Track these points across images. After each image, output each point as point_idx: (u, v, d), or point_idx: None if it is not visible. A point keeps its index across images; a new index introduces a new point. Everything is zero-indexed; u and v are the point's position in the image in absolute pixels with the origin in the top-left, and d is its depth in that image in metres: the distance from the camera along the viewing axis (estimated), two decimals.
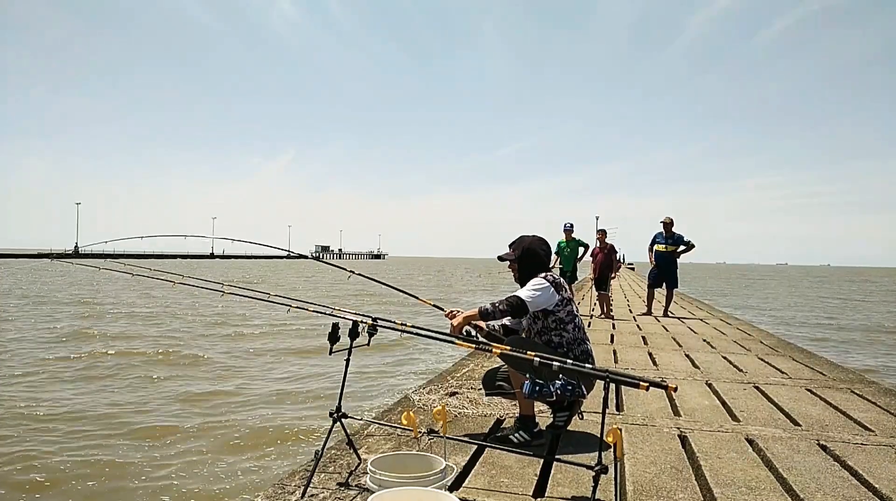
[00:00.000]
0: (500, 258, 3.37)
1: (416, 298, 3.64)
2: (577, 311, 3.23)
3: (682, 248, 10.28)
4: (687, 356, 6.36)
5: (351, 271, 3.80)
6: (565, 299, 3.13)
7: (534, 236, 3.35)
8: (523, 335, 3.25)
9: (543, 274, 3.16)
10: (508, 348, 2.47)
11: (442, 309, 3.32)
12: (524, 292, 3.04)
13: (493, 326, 3.29)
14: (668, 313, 10.98)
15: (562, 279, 3.22)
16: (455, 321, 3.04)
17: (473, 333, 3.17)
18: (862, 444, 3.31)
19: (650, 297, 11.03)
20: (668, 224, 10.19)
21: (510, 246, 3.34)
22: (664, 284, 10.55)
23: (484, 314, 3.01)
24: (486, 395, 3.40)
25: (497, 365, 3.38)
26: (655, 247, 10.31)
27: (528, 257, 3.24)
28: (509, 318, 3.20)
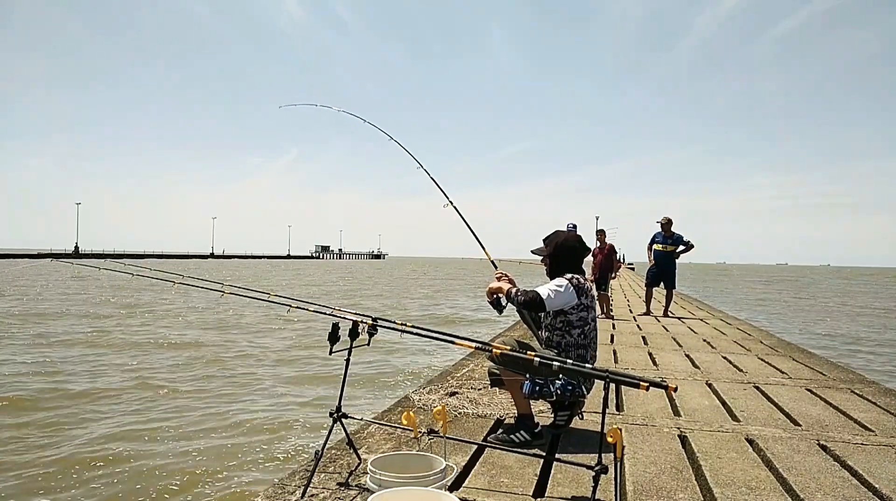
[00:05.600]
0: (534, 253, 3.42)
1: (483, 247, 3.78)
2: (593, 320, 3.20)
3: (681, 248, 10.29)
4: (687, 356, 6.36)
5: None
6: (583, 305, 3.13)
7: (569, 232, 3.39)
8: (542, 328, 3.28)
9: (569, 275, 3.17)
10: (508, 348, 2.47)
11: (496, 266, 3.45)
12: (544, 290, 3.06)
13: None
14: (668, 313, 10.97)
15: (587, 285, 3.21)
16: (492, 285, 3.21)
17: (503, 303, 3.23)
18: (862, 444, 3.31)
19: (649, 296, 11.03)
20: (666, 224, 10.21)
21: (544, 241, 3.36)
22: (662, 283, 10.55)
23: (508, 296, 3.13)
24: (491, 385, 3.42)
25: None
26: (654, 246, 10.33)
27: (560, 253, 3.27)
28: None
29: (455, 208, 3.84)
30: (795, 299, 32.83)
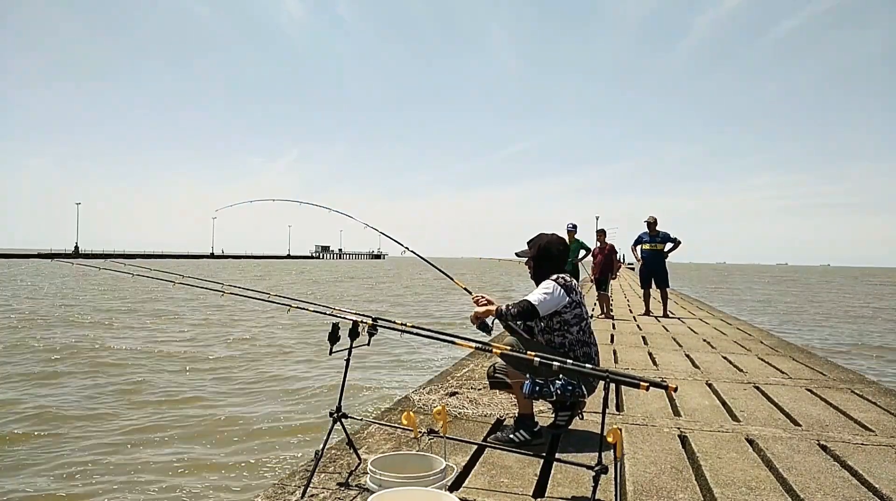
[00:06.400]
0: (518, 255, 3.43)
1: (451, 278, 3.76)
2: (587, 314, 3.23)
3: (669, 246, 10.33)
4: (687, 356, 6.36)
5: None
6: (574, 302, 3.13)
7: (552, 235, 3.37)
8: (535, 334, 3.26)
9: (555, 276, 3.17)
10: (508, 348, 2.47)
11: (470, 292, 3.41)
12: (534, 297, 3.06)
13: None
14: (668, 313, 10.97)
15: (574, 282, 3.22)
16: (477, 310, 3.14)
17: (490, 324, 3.21)
18: (862, 444, 3.31)
19: (646, 297, 11.05)
20: (651, 224, 10.26)
21: (528, 243, 3.36)
22: (655, 283, 10.55)
23: (499, 315, 3.09)
24: (491, 388, 3.42)
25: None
26: (642, 246, 10.38)
27: (542, 256, 3.28)
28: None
29: (414, 252, 3.86)
30: (796, 299, 32.85)
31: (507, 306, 3.10)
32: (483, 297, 3.27)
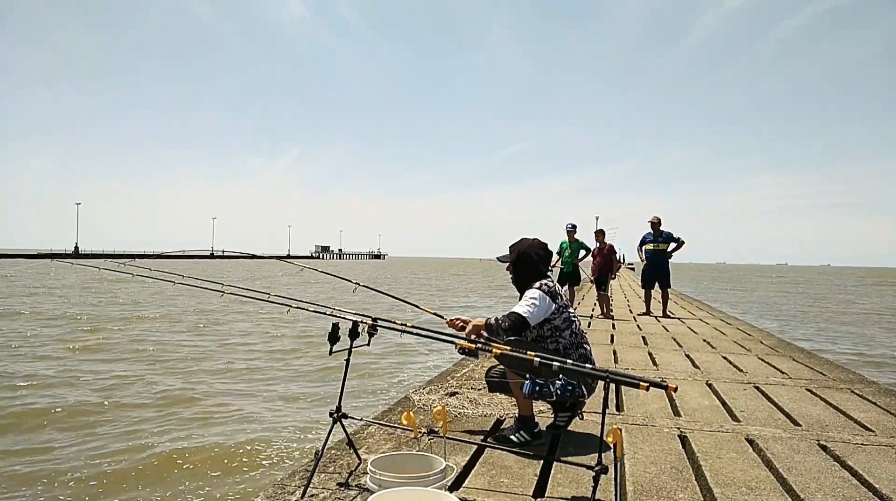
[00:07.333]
0: (499, 260, 3.40)
1: (418, 307, 3.69)
2: (574, 315, 3.22)
3: (673, 246, 10.34)
4: (687, 356, 6.36)
5: (356, 284, 3.83)
6: (561, 307, 3.12)
7: (533, 239, 3.35)
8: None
9: (538, 284, 3.15)
10: (508, 348, 2.47)
11: (443, 317, 3.34)
12: (523, 309, 3.02)
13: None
14: (668, 313, 10.97)
15: (556, 286, 3.21)
16: (468, 330, 3.04)
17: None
18: (862, 444, 3.31)
19: (647, 297, 11.05)
20: (655, 224, 10.29)
21: (510, 248, 3.35)
22: (657, 283, 10.56)
23: (489, 330, 3.04)
24: (490, 390, 3.41)
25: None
26: (646, 246, 10.39)
27: (523, 261, 3.25)
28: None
29: (366, 286, 3.80)
30: (798, 300, 32.83)
31: (497, 320, 3.02)
32: (458, 319, 3.19)
